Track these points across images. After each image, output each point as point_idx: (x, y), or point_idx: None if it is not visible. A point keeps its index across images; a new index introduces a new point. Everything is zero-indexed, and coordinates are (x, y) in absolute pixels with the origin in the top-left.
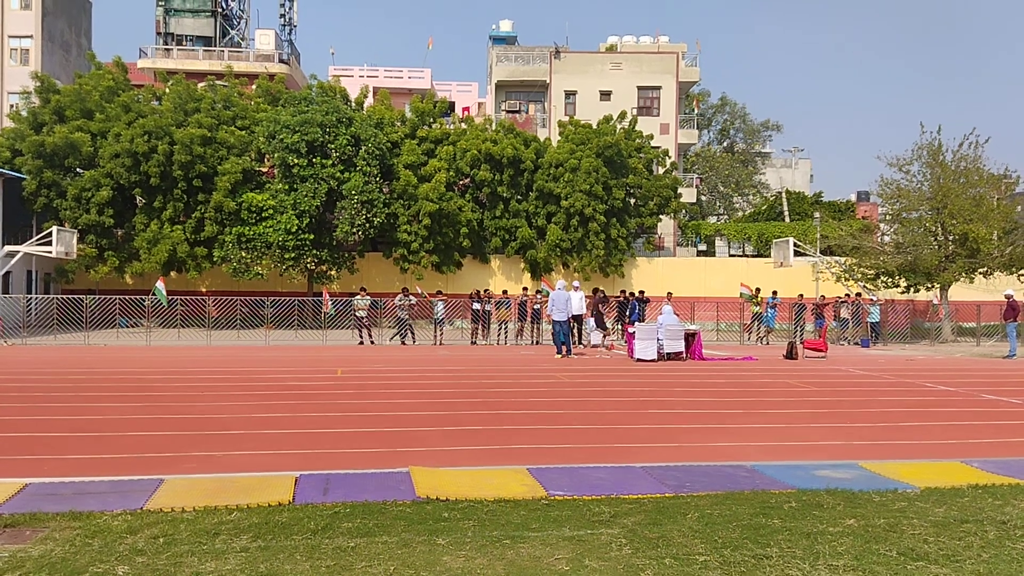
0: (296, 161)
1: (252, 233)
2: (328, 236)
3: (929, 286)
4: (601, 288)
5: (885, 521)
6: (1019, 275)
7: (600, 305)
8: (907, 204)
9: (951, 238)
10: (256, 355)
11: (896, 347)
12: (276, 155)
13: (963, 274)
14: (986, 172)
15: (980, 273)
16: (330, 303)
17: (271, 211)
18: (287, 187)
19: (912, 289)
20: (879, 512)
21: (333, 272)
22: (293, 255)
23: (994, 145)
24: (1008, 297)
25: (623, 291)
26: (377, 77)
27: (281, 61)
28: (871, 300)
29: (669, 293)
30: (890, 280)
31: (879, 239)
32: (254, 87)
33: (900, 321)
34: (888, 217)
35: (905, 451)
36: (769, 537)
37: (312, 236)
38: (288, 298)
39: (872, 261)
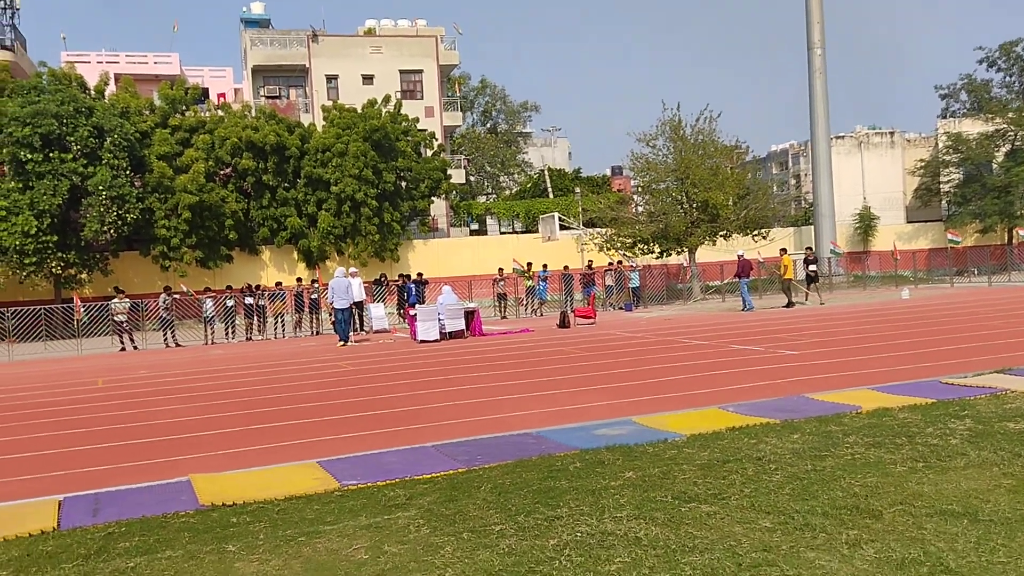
0: (30, 156)
1: None
2: (75, 237)
3: (679, 250)
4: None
5: (659, 470)
6: (753, 235)
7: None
8: (655, 176)
9: (695, 205)
10: None
11: (655, 308)
12: (5, 150)
13: (707, 238)
14: (720, 144)
15: (721, 236)
16: (82, 309)
17: (4, 212)
18: (21, 185)
19: (665, 254)
20: (653, 462)
21: (84, 275)
22: (34, 260)
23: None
24: (739, 257)
25: (401, 275)
26: (118, 63)
27: (4, 48)
28: (631, 267)
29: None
30: (646, 247)
31: (634, 210)
32: None
33: (657, 284)
34: (640, 189)
35: (671, 403)
36: (558, 498)
37: (56, 237)
38: (33, 307)
39: (629, 230)
